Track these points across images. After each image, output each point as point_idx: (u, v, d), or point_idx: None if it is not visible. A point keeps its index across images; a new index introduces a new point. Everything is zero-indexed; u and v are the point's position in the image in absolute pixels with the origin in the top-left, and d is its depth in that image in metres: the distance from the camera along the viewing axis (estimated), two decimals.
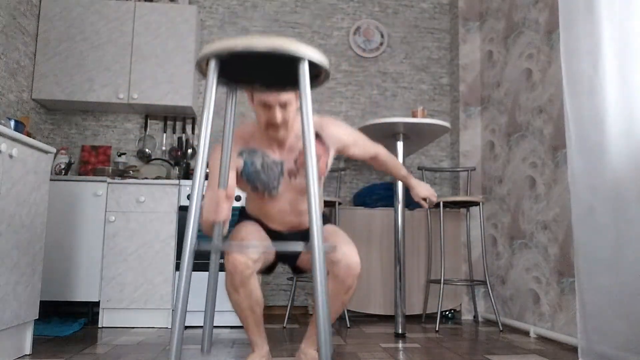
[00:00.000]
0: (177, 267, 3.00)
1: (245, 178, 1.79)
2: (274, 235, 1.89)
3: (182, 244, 3.00)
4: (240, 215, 1.99)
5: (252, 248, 1.67)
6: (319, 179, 1.84)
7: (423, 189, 2.07)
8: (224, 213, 1.36)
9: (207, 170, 2.22)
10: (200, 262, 3.00)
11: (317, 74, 1.24)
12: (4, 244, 1.89)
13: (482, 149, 3.68)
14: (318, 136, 1.82)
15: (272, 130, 1.69)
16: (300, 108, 1.15)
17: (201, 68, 1.20)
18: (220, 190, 1.37)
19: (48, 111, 3.62)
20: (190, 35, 3.49)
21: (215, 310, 2.99)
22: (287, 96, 1.63)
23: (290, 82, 1.31)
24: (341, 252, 1.71)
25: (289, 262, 1.96)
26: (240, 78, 1.29)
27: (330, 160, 1.85)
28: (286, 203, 1.83)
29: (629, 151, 1.90)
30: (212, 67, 1.13)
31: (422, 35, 4.07)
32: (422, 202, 2.09)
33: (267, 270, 1.91)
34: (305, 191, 1.80)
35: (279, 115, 1.64)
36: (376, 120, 2.66)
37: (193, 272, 3.00)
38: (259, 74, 1.26)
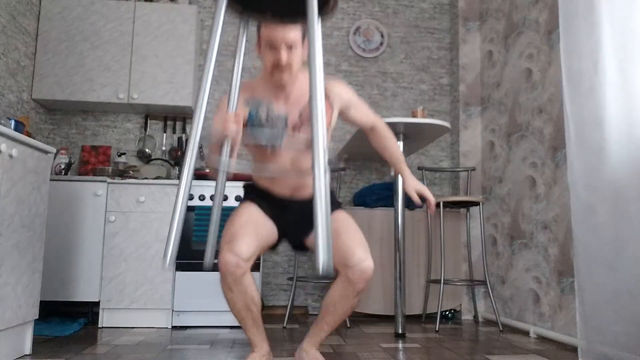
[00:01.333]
0: (177, 267, 3.01)
1: (250, 130, 1.80)
2: (279, 206, 1.85)
3: (182, 243, 2.99)
4: (245, 193, 1.95)
5: (243, 244, 1.65)
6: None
7: (417, 183, 1.93)
8: (232, 129, 1.41)
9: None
10: (201, 262, 3.00)
11: (325, 2, 1.23)
12: (4, 244, 1.89)
13: (482, 149, 3.68)
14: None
15: (277, 73, 1.73)
16: (308, 33, 1.10)
17: None
18: (230, 112, 1.40)
19: (48, 111, 3.63)
20: (190, 35, 3.49)
21: (215, 310, 3.00)
22: (293, 36, 1.68)
23: (300, 12, 1.30)
24: (357, 257, 1.68)
25: (294, 238, 1.92)
26: (251, 5, 1.28)
27: (334, 118, 1.86)
28: (288, 160, 1.82)
29: (628, 151, 1.90)
30: None
31: (422, 35, 4.07)
32: (415, 197, 1.88)
33: (271, 248, 1.90)
34: (308, 146, 1.77)
35: (284, 55, 1.69)
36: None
37: (193, 272, 3.00)
38: (270, 2, 1.24)
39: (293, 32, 1.67)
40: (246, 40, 1.33)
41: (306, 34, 1.52)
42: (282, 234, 1.88)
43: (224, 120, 1.41)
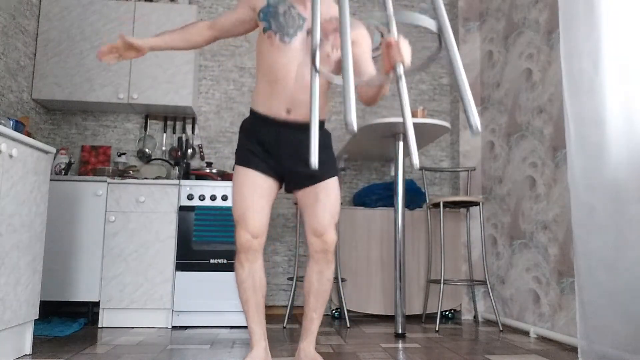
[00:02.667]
0: (177, 267, 3.01)
1: (262, 16, 1.79)
2: (274, 142, 1.81)
3: (182, 243, 2.99)
4: (238, 148, 1.90)
5: (254, 220, 1.77)
6: (335, 69, 1.87)
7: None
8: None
9: None
10: (201, 262, 3.00)
11: None
12: (4, 244, 1.89)
13: (482, 149, 3.68)
14: None
15: None
16: None
17: None
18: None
19: (48, 111, 3.62)
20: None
21: (215, 310, 3.00)
22: None
23: None
24: (322, 227, 1.80)
25: (289, 185, 1.92)
26: None
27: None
28: (295, 62, 1.78)
29: (628, 151, 1.90)
30: None
31: (422, 35, 4.07)
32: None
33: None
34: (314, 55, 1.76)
35: None
36: (376, 120, 2.66)
37: (193, 272, 3.00)
38: None
39: None
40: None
41: None
42: (281, 179, 1.90)
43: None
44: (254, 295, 1.83)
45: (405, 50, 1.38)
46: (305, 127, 1.81)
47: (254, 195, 1.80)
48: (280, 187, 1.93)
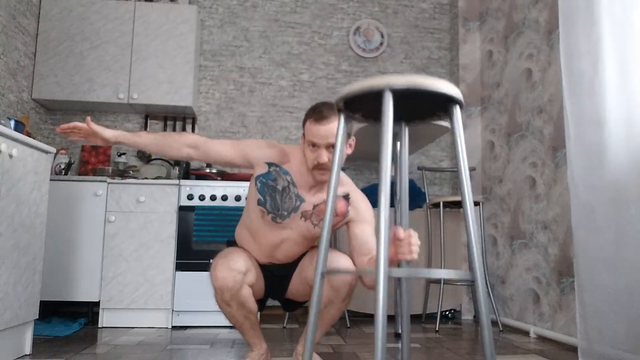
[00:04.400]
0: (177, 267, 3.00)
1: (259, 186, 1.74)
2: (265, 268, 1.84)
3: (182, 243, 3.00)
4: (229, 244, 1.95)
5: (239, 260, 1.69)
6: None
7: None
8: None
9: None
10: (201, 261, 3.00)
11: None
12: (4, 244, 1.89)
13: (482, 149, 3.68)
14: (347, 199, 1.78)
15: (317, 172, 1.67)
16: (454, 144, 1.22)
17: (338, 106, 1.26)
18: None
19: (48, 111, 3.62)
20: (190, 35, 3.49)
21: (215, 310, 2.98)
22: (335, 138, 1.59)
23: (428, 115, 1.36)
24: (339, 263, 1.70)
25: (278, 296, 1.92)
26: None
27: (342, 223, 1.80)
28: (282, 240, 1.78)
29: (628, 151, 1.90)
30: (387, 98, 1.15)
31: (422, 35, 4.07)
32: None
33: (258, 305, 1.85)
34: (307, 238, 1.78)
35: (325, 155, 1.62)
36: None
37: (193, 272, 3.00)
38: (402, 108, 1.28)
39: (335, 132, 1.58)
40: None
41: (350, 130, 1.55)
42: (269, 290, 1.88)
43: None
44: (246, 321, 1.77)
45: (415, 247, 1.39)
46: (288, 264, 1.85)
47: (243, 252, 1.78)
48: (266, 298, 1.90)
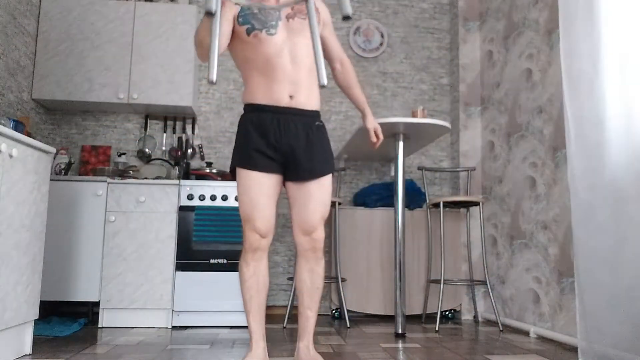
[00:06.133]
0: (177, 267, 3.00)
1: (242, 20, 1.81)
2: (276, 132, 1.81)
3: (182, 243, 3.00)
4: (238, 132, 1.89)
5: (261, 220, 1.79)
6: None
7: (376, 123, 2.16)
8: None
9: None
10: (201, 261, 3.00)
11: None
12: (4, 244, 1.89)
13: (482, 149, 3.68)
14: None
15: None
16: None
17: None
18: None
19: (48, 111, 3.62)
20: (190, 35, 3.49)
21: (216, 310, 3.00)
22: None
23: None
24: (310, 225, 1.84)
25: (293, 178, 1.91)
26: None
27: (321, 25, 1.93)
28: (287, 48, 1.82)
29: (628, 151, 1.90)
30: None
31: (422, 35, 4.07)
32: (372, 136, 2.13)
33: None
34: (303, 33, 1.84)
35: None
36: (376, 120, 2.66)
37: (193, 272, 3.00)
38: None
39: None
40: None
41: None
42: (284, 170, 1.89)
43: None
44: (257, 294, 1.85)
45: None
46: (307, 114, 1.87)
47: (260, 196, 1.81)
48: (284, 179, 1.92)
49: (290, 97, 1.83)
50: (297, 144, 1.83)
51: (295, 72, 1.83)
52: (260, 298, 1.85)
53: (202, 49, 1.79)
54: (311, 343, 1.91)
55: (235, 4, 1.74)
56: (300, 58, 1.83)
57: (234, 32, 1.84)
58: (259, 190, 1.81)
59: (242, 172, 1.84)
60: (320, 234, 1.86)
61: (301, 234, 1.86)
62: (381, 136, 2.15)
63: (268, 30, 1.80)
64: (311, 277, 1.89)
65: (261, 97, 1.84)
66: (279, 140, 1.82)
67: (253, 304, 1.85)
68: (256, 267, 1.83)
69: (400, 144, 2.85)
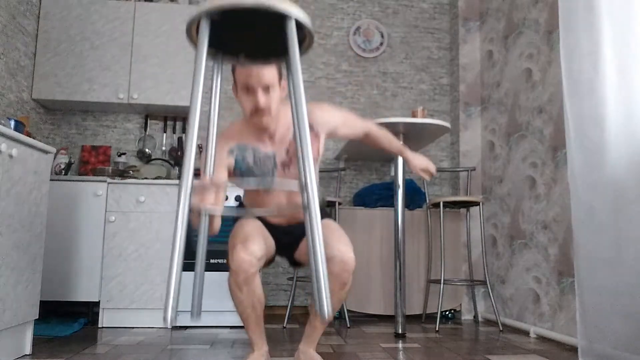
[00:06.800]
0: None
1: (239, 175, 1.79)
2: (275, 229, 1.88)
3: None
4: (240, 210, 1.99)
5: (256, 244, 1.70)
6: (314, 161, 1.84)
7: (421, 160, 2.08)
8: (209, 200, 1.33)
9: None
10: None
11: (302, 39, 1.23)
12: (4, 244, 1.89)
13: (482, 149, 3.68)
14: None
15: (257, 117, 1.67)
16: (288, 70, 1.10)
17: (191, 35, 1.18)
18: (206, 177, 1.28)
19: (48, 111, 3.62)
20: None
21: (216, 310, 2.99)
22: (269, 78, 1.61)
23: (274, 50, 1.30)
24: (336, 249, 1.71)
25: (287, 255, 1.97)
26: (225, 48, 1.27)
27: (322, 146, 1.85)
28: (282, 195, 1.84)
29: (628, 151, 1.90)
30: (203, 27, 1.11)
31: (422, 35, 4.07)
32: (422, 174, 2.07)
33: (266, 263, 1.91)
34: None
35: (262, 98, 1.62)
36: (376, 120, 2.66)
37: (193, 272, 2.99)
38: (243, 44, 1.24)
39: (269, 73, 1.60)
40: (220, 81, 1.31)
41: (285, 72, 1.51)
42: (278, 249, 1.91)
43: (201, 188, 1.27)
44: (253, 312, 1.78)
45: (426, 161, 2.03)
46: (294, 225, 1.88)
47: (257, 229, 1.79)
48: (274, 257, 1.94)
49: (287, 223, 1.88)
50: (293, 237, 1.88)
51: (292, 212, 1.86)
52: (257, 313, 1.79)
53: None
54: (313, 346, 1.91)
55: (229, 154, 1.74)
56: (297, 193, 1.83)
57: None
58: (256, 225, 1.81)
59: (243, 218, 1.89)
60: (349, 255, 1.73)
61: (332, 265, 1.74)
62: (433, 171, 2.07)
63: (265, 187, 1.79)
64: (331, 288, 1.78)
65: (249, 205, 1.92)
66: (274, 234, 1.87)
67: (251, 321, 1.80)
68: (249, 289, 1.71)
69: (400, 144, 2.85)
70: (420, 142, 3.17)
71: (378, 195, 3.53)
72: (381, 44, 3.99)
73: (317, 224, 0.98)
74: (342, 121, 1.88)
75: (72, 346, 2.35)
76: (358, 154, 3.58)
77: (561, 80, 2.27)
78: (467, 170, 3.54)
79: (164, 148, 3.71)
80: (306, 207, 1.00)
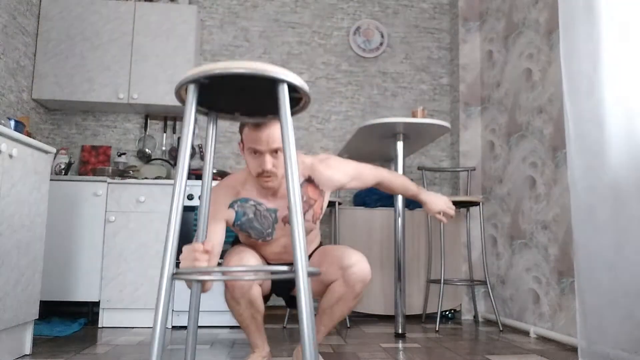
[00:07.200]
0: (177, 266, 3.00)
1: (238, 227, 1.76)
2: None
3: (182, 243, 3.00)
4: (234, 243, 1.97)
5: (252, 259, 1.70)
6: (314, 222, 1.81)
7: (438, 203, 1.98)
8: (201, 266, 1.26)
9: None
10: None
11: (298, 99, 1.22)
12: (4, 244, 1.89)
13: (482, 149, 3.68)
14: (311, 180, 1.77)
15: (264, 179, 1.63)
16: (282, 132, 1.11)
17: (180, 96, 1.18)
18: (197, 244, 1.25)
19: (48, 111, 3.62)
20: (190, 35, 3.49)
21: (215, 310, 3.00)
22: (279, 142, 1.57)
23: (271, 108, 1.30)
24: (354, 259, 1.72)
25: (283, 294, 1.95)
26: (220, 106, 1.28)
27: (325, 203, 1.82)
28: (281, 247, 1.82)
29: (628, 151, 1.90)
30: (191, 93, 1.11)
31: (422, 35, 4.07)
32: (439, 217, 1.99)
33: (264, 298, 1.89)
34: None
35: (269, 163, 1.58)
36: (376, 120, 2.66)
37: None
38: (239, 101, 1.24)
39: (278, 138, 1.56)
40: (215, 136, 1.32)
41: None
42: (274, 286, 1.90)
43: (192, 258, 1.25)
44: (253, 321, 1.77)
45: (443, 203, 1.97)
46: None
47: (253, 251, 1.79)
48: (270, 294, 1.93)
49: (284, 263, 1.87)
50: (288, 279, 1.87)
51: (287, 258, 1.85)
52: (258, 321, 1.78)
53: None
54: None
55: (229, 207, 1.72)
56: (288, 249, 1.83)
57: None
58: (250, 251, 1.79)
59: (237, 245, 1.89)
60: (364, 265, 1.73)
61: (341, 270, 1.75)
62: (452, 213, 1.99)
63: (264, 239, 1.77)
64: (340, 307, 1.77)
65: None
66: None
67: (251, 329, 1.79)
68: (247, 300, 1.70)
69: (400, 144, 2.85)
70: (420, 142, 3.17)
71: (378, 195, 3.53)
72: (381, 44, 3.99)
73: (304, 286, 1.04)
74: (351, 176, 1.83)
75: (72, 346, 2.35)
76: (358, 154, 3.58)
77: (561, 80, 2.27)
78: (467, 170, 3.54)
79: (163, 148, 3.72)
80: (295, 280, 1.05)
